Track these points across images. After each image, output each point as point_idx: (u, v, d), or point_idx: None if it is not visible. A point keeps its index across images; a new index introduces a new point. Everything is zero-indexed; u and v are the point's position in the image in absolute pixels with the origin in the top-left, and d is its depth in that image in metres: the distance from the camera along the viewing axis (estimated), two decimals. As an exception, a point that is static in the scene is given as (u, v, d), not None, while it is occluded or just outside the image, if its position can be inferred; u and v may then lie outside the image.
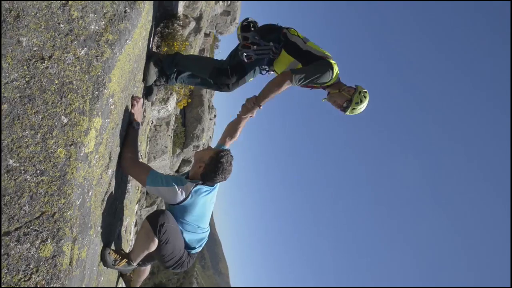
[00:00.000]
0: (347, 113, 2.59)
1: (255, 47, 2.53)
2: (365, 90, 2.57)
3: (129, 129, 2.19)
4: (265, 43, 2.53)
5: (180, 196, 1.98)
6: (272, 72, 2.81)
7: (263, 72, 2.82)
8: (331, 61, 2.47)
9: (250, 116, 2.44)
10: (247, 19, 2.76)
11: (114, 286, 2.56)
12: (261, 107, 2.42)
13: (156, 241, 2.01)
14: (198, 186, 2.06)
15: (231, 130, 2.49)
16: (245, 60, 2.57)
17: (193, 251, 2.22)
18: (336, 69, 2.47)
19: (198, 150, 2.27)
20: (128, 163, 2.07)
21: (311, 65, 2.43)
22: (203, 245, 2.29)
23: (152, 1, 2.48)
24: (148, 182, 1.98)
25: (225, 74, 2.70)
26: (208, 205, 2.18)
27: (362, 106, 2.57)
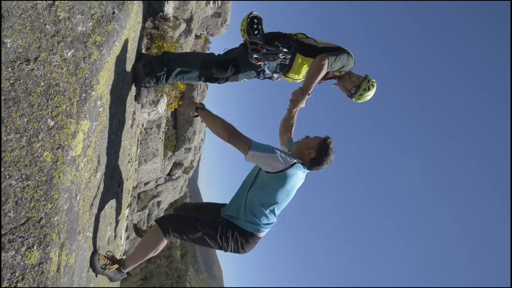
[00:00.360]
0: (354, 98, 2.66)
1: (264, 50, 2.52)
2: (374, 80, 2.64)
3: (201, 112, 2.11)
4: (270, 48, 2.52)
5: (281, 164, 1.93)
6: (277, 79, 2.80)
7: (261, 77, 2.80)
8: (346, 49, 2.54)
9: (301, 107, 2.42)
10: (251, 13, 2.74)
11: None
12: (311, 94, 2.39)
13: (164, 243, 2.01)
14: (299, 164, 2.01)
15: (287, 126, 2.51)
16: (254, 62, 2.57)
17: (249, 228, 2.03)
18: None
19: (297, 141, 2.24)
20: (231, 132, 1.97)
21: (336, 52, 2.46)
22: (262, 229, 2.08)
23: (141, 2, 2.45)
24: (252, 148, 1.92)
25: (215, 67, 2.68)
26: (293, 192, 2.07)
27: (369, 94, 2.63)
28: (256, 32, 2.67)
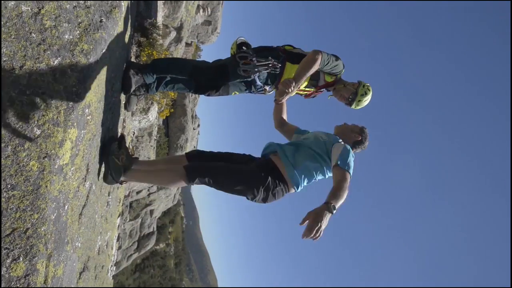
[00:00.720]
0: (353, 106, 2.69)
1: (254, 61, 2.53)
2: (368, 84, 2.68)
3: (334, 208, 1.81)
4: (260, 59, 2.54)
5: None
6: (268, 92, 2.80)
7: (252, 90, 2.78)
8: None
9: (287, 98, 2.43)
10: (237, 39, 2.78)
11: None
12: (299, 87, 2.49)
13: (183, 185, 2.09)
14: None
15: (282, 117, 2.60)
16: (243, 74, 2.56)
17: (293, 179, 2.11)
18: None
19: (339, 125, 2.45)
20: (347, 190, 1.96)
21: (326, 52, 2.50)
22: (297, 188, 2.16)
23: (129, 10, 2.46)
24: (351, 176, 2.03)
25: (205, 72, 2.67)
26: None
27: (367, 99, 2.67)
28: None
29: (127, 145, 2.48)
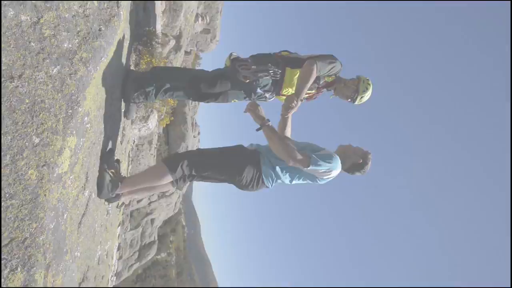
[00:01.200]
0: (356, 102, 2.73)
1: (253, 67, 2.55)
2: (367, 78, 2.71)
3: (266, 129, 2.22)
4: (259, 66, 2.56)
5: (336, 172, 2.22)
6: (269, 99, 2.81)
7: (252, 98, 2.79)
8: None
9: (293, 112, 2.52)
10: (231, 54, 2.79)
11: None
12: (303, 100, 2.58)
13: (168, 179, 2.18)
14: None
15: (286, 127, 2.64)
16: (243, 80, 2.57)
17: (268, 177, 2.27)
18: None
19: (343, 145, 2.45)
20: (292, 156, 2.11)
21: (322, 56, 2.52)
22: (269, 184, 2.33)
23: (128, 19, 2.48)
24: (311, 165, 2.10)
25: (204, 81, 2.67)
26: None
27: (369, 93, 2.71)
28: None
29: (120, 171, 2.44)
